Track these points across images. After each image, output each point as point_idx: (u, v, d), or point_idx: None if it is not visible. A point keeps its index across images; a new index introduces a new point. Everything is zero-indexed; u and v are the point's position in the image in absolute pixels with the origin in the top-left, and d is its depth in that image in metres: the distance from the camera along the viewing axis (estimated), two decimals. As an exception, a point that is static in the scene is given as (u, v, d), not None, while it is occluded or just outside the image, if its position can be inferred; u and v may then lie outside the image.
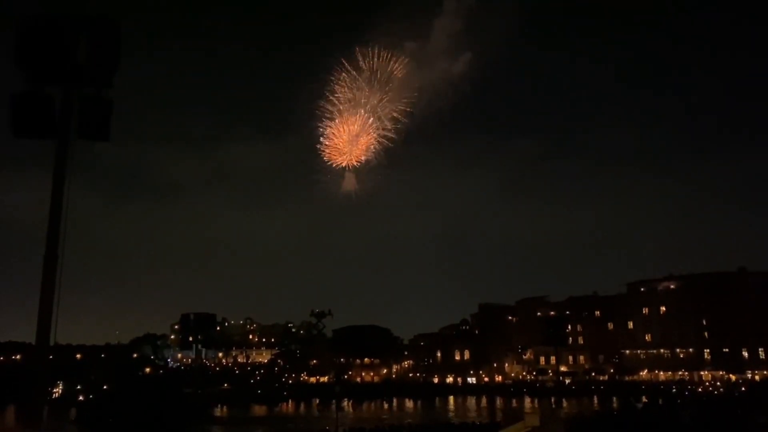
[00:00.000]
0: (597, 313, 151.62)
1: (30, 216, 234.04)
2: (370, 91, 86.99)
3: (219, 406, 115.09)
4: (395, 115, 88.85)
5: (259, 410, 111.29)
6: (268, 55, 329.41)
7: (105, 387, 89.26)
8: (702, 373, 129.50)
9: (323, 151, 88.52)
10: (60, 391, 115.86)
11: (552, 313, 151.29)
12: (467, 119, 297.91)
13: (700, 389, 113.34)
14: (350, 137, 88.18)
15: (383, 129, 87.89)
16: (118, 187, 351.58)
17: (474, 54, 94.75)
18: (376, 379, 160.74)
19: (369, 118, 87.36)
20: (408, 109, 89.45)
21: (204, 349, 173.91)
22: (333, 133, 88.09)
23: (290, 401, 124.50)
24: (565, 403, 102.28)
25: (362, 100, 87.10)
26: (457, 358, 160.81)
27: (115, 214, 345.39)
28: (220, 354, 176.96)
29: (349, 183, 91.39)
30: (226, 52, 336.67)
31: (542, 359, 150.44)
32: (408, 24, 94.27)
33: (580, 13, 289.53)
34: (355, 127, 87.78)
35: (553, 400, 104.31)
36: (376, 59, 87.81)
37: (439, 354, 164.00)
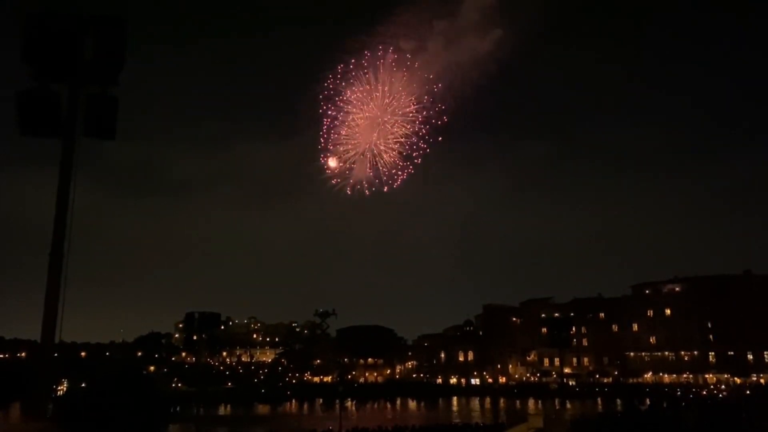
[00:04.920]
0: (601, 315, 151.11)
1: (36, 213, 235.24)
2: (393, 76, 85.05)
3: (223, 404, 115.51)
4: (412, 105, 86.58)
5: (262, 409, 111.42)
6: (277, 53, 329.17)
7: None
8: (706, 376, 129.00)
9: (337, 138, 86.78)
10: (64, 388, 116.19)
11: (556, 314, 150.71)
12: (478, 119, 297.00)
13: (704, 392, 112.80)
14: (366, 123, 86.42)
15: (403, 115, 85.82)
16: (126, 185, 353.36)
17: (505, 31, 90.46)
18: (379, 379, 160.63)
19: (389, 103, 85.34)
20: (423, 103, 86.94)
21: (208, 348, 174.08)
22: (346, 121, 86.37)
23: (293, 401, 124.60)
24: (568, 405, 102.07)
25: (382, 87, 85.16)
26: (461, 359, 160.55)
27: (122, 212, 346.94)
28: (224, 353, 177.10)
29: (361, 171, 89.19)
30: (235, 51, 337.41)
31: (546, 361, 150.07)
32: (436, 2, 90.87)
33: (594, 13, 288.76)
34: (372, 113, 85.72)
35: (556, 401, 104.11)
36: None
37: (442, 355, 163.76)
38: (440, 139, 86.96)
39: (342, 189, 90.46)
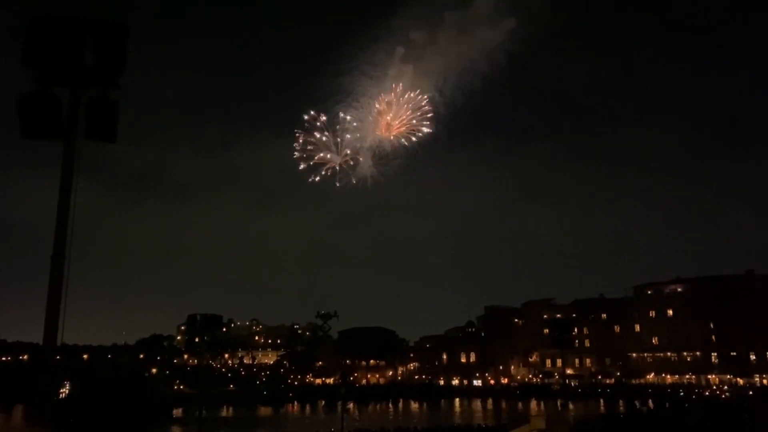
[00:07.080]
0: (603, 315, 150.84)
1: (37, 216, 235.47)
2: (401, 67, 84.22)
3: (225, 406, 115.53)
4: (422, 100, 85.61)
5: (264, 411, 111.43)
6: (281, 54, 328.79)
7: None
8: (709, 376, 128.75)
9: (341, 135, 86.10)
10: (67, 391, 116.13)
11: (558, 315, 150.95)
12: (482, 119, 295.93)
13: (707, 393, 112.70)
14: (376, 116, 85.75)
15: (412, 109, 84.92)
16: (128, 188, 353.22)
17: (518, 20, 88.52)
18: (381, 380, 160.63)
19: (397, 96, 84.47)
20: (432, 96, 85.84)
21: (210, 350, 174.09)
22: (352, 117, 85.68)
23: (296, 403, 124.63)
24: (571, 406, 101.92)
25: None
26: (463, 360, 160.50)
27: (125, 214, 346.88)
28: (226, 355, 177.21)
29: (365, 166, 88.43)
30: (237, 53, 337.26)
31: (548, 362, 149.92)
32: None
33: (600, 13, 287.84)
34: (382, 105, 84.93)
35: (559, 402, 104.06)
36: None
37: (444, 356, 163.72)
38: (445, 137, 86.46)
39: (344, 187, 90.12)
